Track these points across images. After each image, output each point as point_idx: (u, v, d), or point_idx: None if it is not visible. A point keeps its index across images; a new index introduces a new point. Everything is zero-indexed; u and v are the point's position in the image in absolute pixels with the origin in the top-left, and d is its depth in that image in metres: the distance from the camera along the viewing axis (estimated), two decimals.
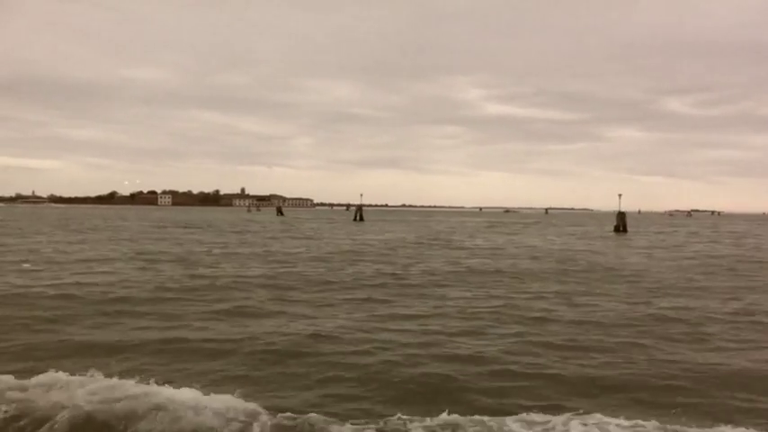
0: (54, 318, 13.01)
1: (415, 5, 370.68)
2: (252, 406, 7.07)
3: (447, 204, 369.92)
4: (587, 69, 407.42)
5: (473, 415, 7.04)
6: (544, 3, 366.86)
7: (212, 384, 8.20)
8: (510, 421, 6.88)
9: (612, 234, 59.46)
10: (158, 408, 6.79)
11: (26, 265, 22.66)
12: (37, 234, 44.39)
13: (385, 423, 6.85)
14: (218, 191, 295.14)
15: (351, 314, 13.98)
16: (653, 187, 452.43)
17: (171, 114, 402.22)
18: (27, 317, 12.95)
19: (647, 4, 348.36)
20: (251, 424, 6.67)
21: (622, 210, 66.15)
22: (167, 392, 7.35)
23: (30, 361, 9.38)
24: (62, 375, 7.85)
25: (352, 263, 25.83)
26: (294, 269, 23.21)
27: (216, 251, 30.99)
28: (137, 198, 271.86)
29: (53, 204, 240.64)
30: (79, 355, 9.87)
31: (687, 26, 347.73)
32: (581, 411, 7.24)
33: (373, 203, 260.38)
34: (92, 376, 7.83)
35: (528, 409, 7.32)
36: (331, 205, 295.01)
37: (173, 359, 9.90)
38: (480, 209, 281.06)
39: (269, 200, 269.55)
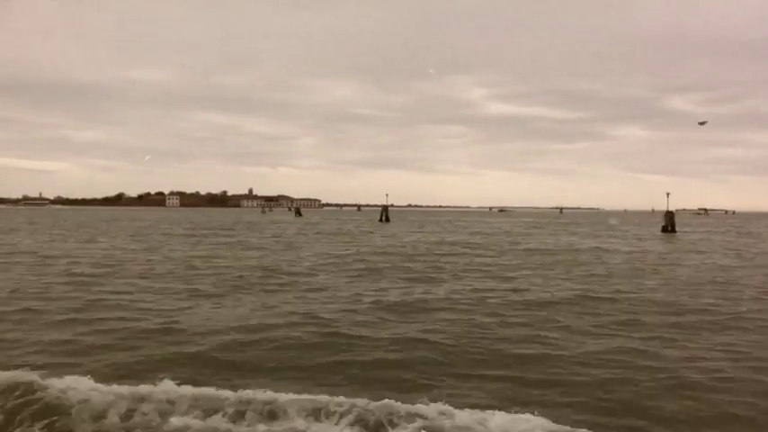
0: None
1: (417, 5, 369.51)
2: None
3: (452, 204, 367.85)
4: (591, 68, 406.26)
5: None
6: (546, 1, 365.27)
7: None
8: None
9: (665, 235, 57.21)
10: None
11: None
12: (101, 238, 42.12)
13: None
14: (225, 192, 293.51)
15: None
16: (658, 186, 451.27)
17: (174, 115, 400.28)
18: None
19: (649, 2, 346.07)
20: None
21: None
22: None
23: None
24: None
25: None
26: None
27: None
28: (144, 199, 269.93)
29: (55, 206, 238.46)
30: None
31: (690, 23, 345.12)
32: None
33: (378, 204, 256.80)
34: None
35: None
36: (339, 206, 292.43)
37: None
38: (490, 208, 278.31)
39: (277, 200, 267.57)
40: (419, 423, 6.55)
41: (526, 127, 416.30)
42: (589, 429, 6.76)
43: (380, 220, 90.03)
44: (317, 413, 6.79)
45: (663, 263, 28.33)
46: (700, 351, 10.97)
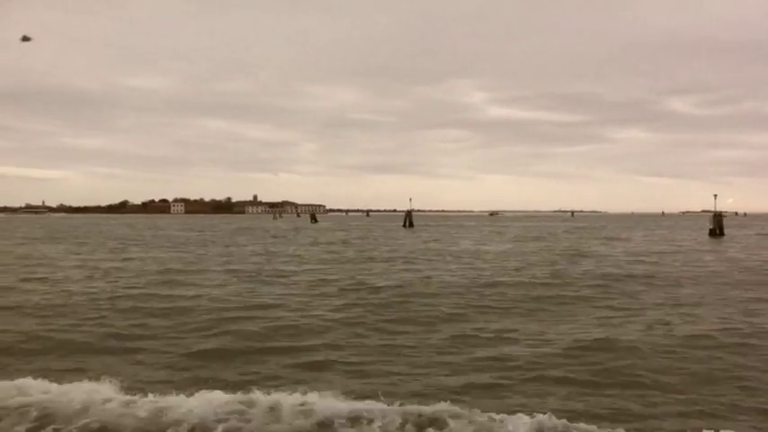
0: None
1: (417, 9, 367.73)
2: None
3: (455, 208, 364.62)
4: (590, 71, 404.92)
5: None
6: (546, 5, 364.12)
7: None
8: None
9: (712, 239, 54.88)
10: None
11: None
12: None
13: None
14: (230, 198, 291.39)
15: None
16: (660, 189, 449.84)
17: (175, 122, 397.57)
18: None
19: (648, 5, 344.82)
20: None
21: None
22: None
23: None
24: None
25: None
26: None
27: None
28: (148, 207, 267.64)
29: (54, 214, 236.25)
30: None
31: (690, 25, 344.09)
32: None
33: (381, 209, 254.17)
34: None
35: None
36: (344, 211, 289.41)
37: None
38: (497, 212, 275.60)
39: (282, 206, 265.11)
40: None
41: (527, 130, 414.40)
42: None
43: (404, 225, 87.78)
44: None
45: None
46: None
